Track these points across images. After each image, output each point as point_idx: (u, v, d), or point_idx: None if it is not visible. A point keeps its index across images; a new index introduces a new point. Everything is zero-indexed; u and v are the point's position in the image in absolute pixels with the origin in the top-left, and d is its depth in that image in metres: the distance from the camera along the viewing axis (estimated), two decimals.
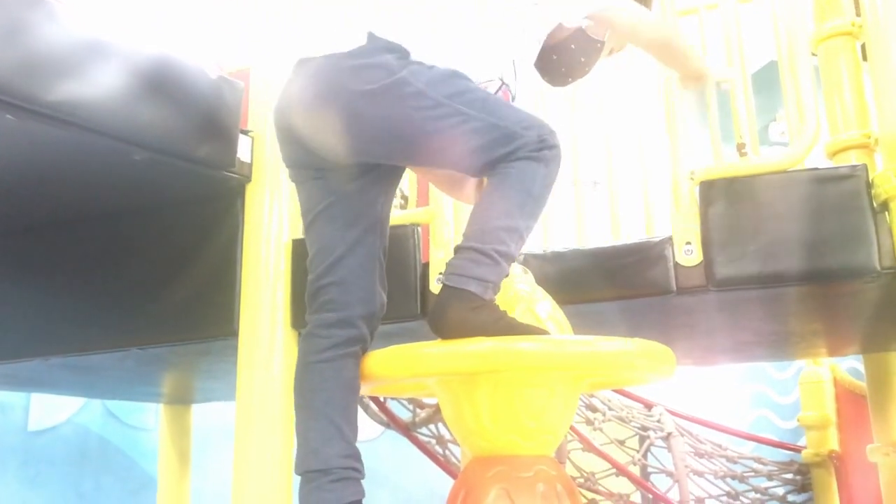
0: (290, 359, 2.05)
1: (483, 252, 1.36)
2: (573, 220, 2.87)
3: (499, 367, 1.34)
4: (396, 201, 2.91)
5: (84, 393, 3.74)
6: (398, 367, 1.46)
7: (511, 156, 1.40)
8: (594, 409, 3.86)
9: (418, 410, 3.73)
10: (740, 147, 1.84)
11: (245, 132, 2.13)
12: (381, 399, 3.67)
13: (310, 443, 1.45)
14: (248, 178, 2.13)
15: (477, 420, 1.40)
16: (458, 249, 1.40)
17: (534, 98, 2.60)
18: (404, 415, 3.76)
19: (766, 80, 2.55)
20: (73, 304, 2.37)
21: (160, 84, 1.88)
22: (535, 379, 1.38)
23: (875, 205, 1.70)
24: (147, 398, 3.76)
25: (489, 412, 1.39)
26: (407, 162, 1.61)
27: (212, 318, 2.15)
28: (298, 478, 1.47)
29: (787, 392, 5.92)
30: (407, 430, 3.72)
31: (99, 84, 1.77)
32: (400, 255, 2.03)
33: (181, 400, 3.60)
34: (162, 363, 2.63)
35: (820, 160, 2.47)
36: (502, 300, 1.50)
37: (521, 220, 1.41)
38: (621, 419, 3.87)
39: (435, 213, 2.05)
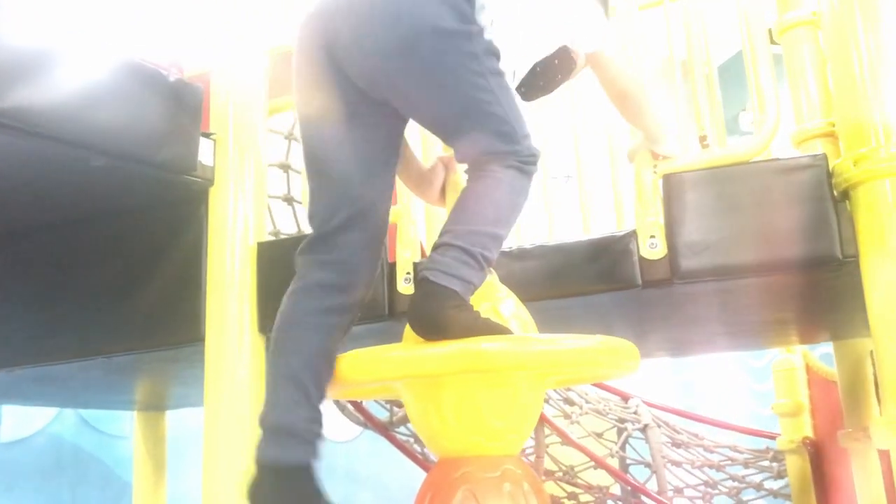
0: (258, 363, 2.04)
1: (471, 254, 1.37)
2: (544, 215, 2.87)
3: (464, 369, 1.33)
4: None
5: (54, 403, 3.69)
6: (363, 371, 1.44)
7: (505, 158, 1.42)
8: (571, 403, 3.87)
9: (395, 409, 3.72)
10: (702, 139, 1.84)
11: (207, 135, 2.11)
12: (358, 400, 3.65)
13: (278, 401, 1.44)
14: (210, 182, 2.11)
15: (442, 421, 1.39)
16: (444, 246, 1.38)
17: None
18: (381, 414, 3.75)
19: (736, 71, 2.56)
20: (35, 313, 2.33)
21: (116, 88, 1.86)
22: (499, 379, 1.37)
23: (836, 193, 1.71)
24: (119, 406, 3.72)
25: (454, 413, 1.38)
26: (417, 112, 1.54)
27: (178, 325, 2.12)
28: None
29: (763, 380, 5.98)
30: (385, 429, 3.71)
31: (53, 89, 1.74)
32: None
33: (154, 406, 3.57)
34: (130, 371, 2.60)
35: (789, 149, 2.49)
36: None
37: (504, 230, 1.43)
38: (598, 412, 3.88)
39: (401, 213, 2.04)
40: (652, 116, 1.75)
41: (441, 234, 1.41)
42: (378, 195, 1.57)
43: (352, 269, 1.49)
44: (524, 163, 1.44)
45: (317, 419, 1.43)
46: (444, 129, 1.55)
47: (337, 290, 1.48)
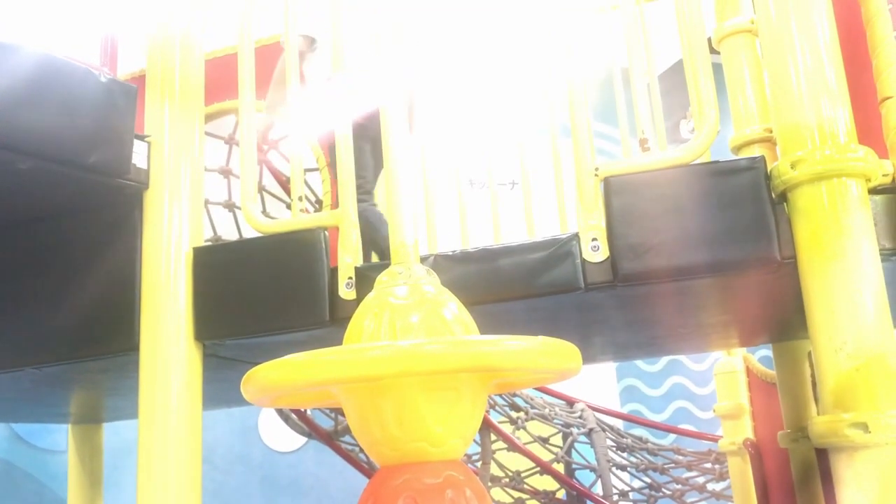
0: (194, 372, 1.98)
1: None
2: (490, 220, 2.87)
3: (404, 372, 1.30)
4: (308, 206, 2.86)
5: None
6: (301, 374, 1.40)
7: None
8: (517, 409, 3.87)
9: (340, 419, 3.67)
10: (643, 142, 1.85)
11: (141, 137, 2.05)
12: (302, 409, 3.59)
13: None
14: (145, 185, 2.05)
15: (383, 428, 1.36)
16: None
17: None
18: (326, 424, 3.70)
19: (679, 78, 2.60)
20: None
21: (43, 88, 1.79)
22: (440, 382, 1.34)
23: (774, 196, 1.73)
24: (53, 419, 3.59)
25: (395, 419, 1.35)
26: None
27: (111, 333, 2.05)
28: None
29: (704, 384, 6.08)
30: (329, 438, 3.67)
31: None
32: (308, 260, 1.97)
33: (89, 419, 3.45)
34: (62, 382, 2.50)
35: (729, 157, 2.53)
36: (410, 304, 1.47)
37: None
38: (544, 417, 3.89)
39: (342, 217, 2.00)
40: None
41: None
42: None
43: None
44: None
45: None
46: None
47: None
